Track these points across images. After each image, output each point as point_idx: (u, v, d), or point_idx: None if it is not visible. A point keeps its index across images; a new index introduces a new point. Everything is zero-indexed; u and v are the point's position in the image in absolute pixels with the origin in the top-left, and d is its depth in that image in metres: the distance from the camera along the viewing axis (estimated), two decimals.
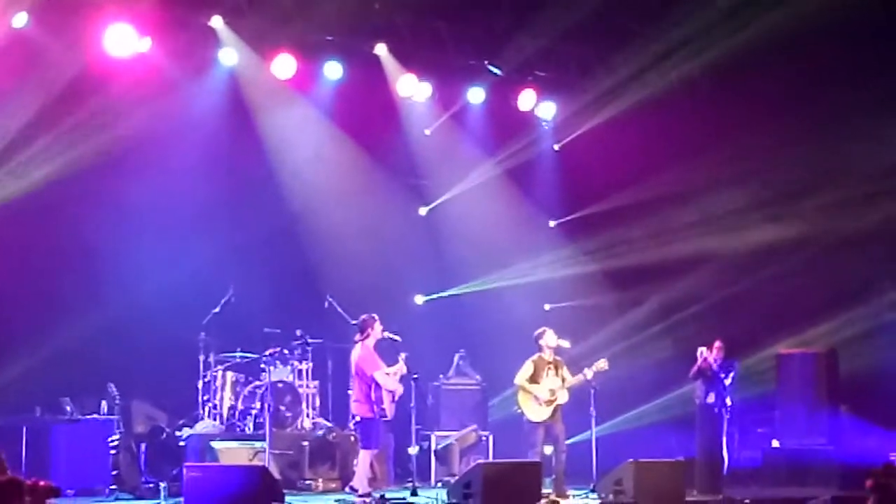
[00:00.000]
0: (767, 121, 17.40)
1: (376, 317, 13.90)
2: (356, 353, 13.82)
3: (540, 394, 14.59)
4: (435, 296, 18.87)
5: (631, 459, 13.78)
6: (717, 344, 15.50)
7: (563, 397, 14.69)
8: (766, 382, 17.29)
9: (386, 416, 13.79)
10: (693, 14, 16.51)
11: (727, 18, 16.39)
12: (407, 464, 15.30)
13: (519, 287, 18.67)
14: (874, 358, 16.92)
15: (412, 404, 14.33)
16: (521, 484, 13.18)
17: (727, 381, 15.47)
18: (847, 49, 16.34)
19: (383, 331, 13.92)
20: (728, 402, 15.38)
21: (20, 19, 14.59)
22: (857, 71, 16.70)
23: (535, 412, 14.62)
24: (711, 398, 15.36)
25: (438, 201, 19.03)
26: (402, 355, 13.89)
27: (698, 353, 15.36)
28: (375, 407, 13.61)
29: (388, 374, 13.73)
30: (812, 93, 16.92)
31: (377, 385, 13.60)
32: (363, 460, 13.66)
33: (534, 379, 14.66)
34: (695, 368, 15.41)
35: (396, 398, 13.84)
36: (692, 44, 17.05)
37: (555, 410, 14.62)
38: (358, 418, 13.90)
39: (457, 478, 14.07)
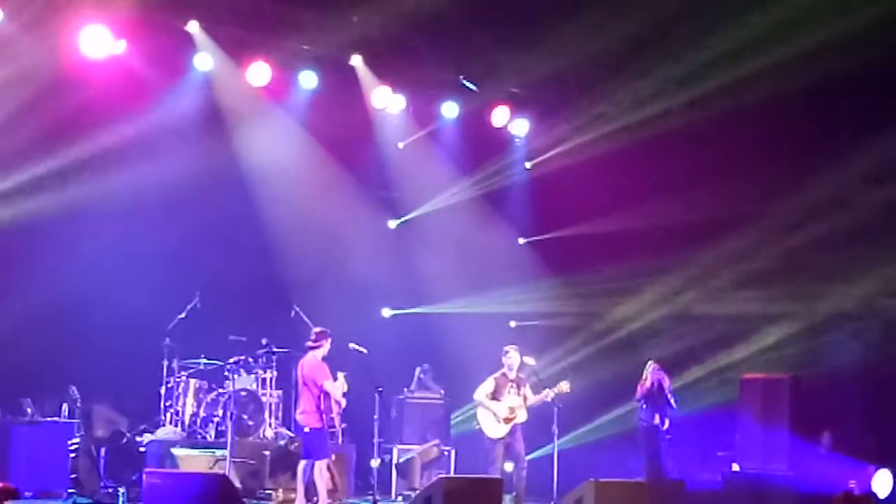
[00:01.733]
0: (749, 166, 17.41)
1: (330, 334, 13.89)
2: (306, 363, 13.84)
3: (499, 411, 14.62)
4: (402, 311, 18.85)
5: (591, 479, 13.79)
6: (656, 365, 15.67)
7: (522, 416, 14.72)
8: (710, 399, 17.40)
9: (334, 427, 13.74)
10: (681, 48, 16.51)
11: (715, 60, 16.39)
12: (368, 476, 15.26)
13: (487, 304, 18.65)
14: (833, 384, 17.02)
15: (375, 417, 14.32)
16: (482, 500, 13.15)
17: (672, 402, 15.70)
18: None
19: (343, 344, 13.96)
20: (667, 423, 15.56)
21: None
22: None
23: (494, 429, 14.65)
24: (657, 419, 15.49)
25: (409, 215, 19.05)
26: (341, 374, 13.85)
27: (646, 374, 15.49)
28: (324, 416, 13.59)
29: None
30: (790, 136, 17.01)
31: (326, 395, 13.58)
32: (319, 472, 13.60)
33: (495, 396, 14.70)
34: (643, 390, 15.54)
35: (341, 412, 13.83)
36: (676, 77, 17.03)
37: (513, 429, 14.64)
38: (307, 429, 13.84)
39: (418, 492, 14.05)
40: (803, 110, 16.65)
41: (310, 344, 13.92)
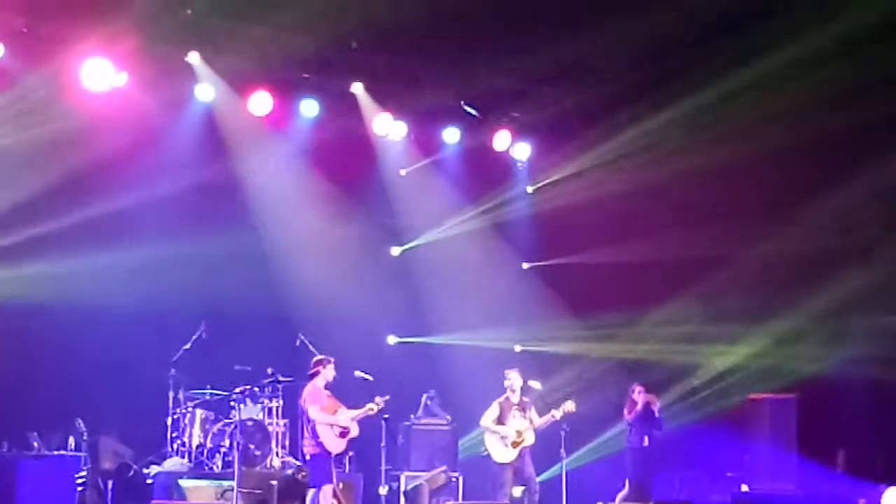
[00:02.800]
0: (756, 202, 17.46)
1: (332, 360, 13.90)
2: (304, 391, 13.86)
3: (506, 435, 14.60)
4: (407, 339, 18.83)
5: (600, 502, 13.79)
6: (641, 388, 15.89)
7: (529, 439, 14.70)
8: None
9: (330, 452, 13.70)
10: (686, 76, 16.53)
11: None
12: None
13: (491, 331, 18.63)
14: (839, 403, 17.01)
15: (382, 444, 14.30)
16: None
17: (661, 424, 15.96)
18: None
19: (349, 372, 13.96)
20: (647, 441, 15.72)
21: None
22: None
23: (502, 454, 14.62)
24: (646, 441, 15.56)
25: (412, 242, 19.06)
26: (379, 399, 13.84)
27: (635, 397, 15.54)
28: (314, 442, 13.57)
29: (336, 412, 13.71)
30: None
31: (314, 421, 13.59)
32: (325, 497, 13.57)
33: (500, 420, 14.69)
34: (635, 413, 15.60)
35: (346, 435, 13.77)
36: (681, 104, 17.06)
37: (521, 452, 14.61)
38: (307, 456, 13.88)
39: None
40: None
41: (310, 373, 13.92)
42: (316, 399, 13.65)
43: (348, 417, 13.77)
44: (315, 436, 13.57)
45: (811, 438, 16.70)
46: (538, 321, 19.12)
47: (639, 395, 15.85)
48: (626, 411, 15.68)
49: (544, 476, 15.56)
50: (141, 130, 15.78)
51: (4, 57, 14.70)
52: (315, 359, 14.04)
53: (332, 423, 13.66)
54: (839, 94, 15.47)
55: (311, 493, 13.74)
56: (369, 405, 13.86)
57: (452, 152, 18.64)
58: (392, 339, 18.97)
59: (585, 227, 18.32)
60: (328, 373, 13.82)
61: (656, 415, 16.01)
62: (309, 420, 13.62)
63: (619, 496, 15.48)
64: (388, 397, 13.99)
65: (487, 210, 19.07)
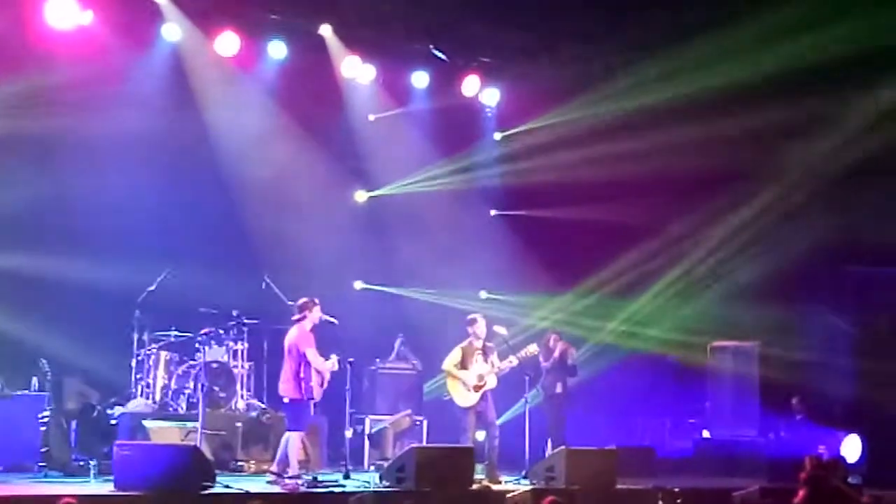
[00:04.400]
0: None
1: (317, 301, 13.86)
2: (292, 334, 13.77)
3: (468, 379, 14.65)
4: (373, 287, 18.81)
5: (562, 446, 13.89)
6: (556, 335, 16.14)
7: (491, 382, 14.75)
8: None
9: (313, 398, 13.71)
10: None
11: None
12: (340, 447, 15.27)
13: (457, 279, 18.65)
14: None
15: (347, 387, 14.31)
16: (454, 469, 13.28)
17: (576, 370, 16.27)
18: None
19: (322, 315, 13.91)
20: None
21: None
22: None
23: (464, 398, 14.67)
24: (559, 388, 15.68)
25: (380, 188, 19.01)
26: (334, 356, 13.81)
27: (553, 344, 15.64)
28: (303, 386, 13.52)
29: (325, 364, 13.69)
30: None
31: (307, 364, 13.51)
32: (293, 443, 13.58)
33: (463, 365, 14.72)
34: (553, 360, 15.73)
35: (325, 384, 13.78)
36: (655, 64, 16.99)
37: (483, 396, 14.68)
38: (286, 399, 13.82)
39: (390, 462, 14.09)
40: None
41: (295, 318, 13.86)
42: (310, 342, 13.60)
43: (327, 366, 13.74)
44: (308, 379, 13.49)
45: (773, 386, 16.85)
46: (504, 269, 19.16)
47: (555, 343, 15.89)
48: (541, 358, 15.66)
49: (504, 418, 15.69)
50: (106, 70, 15.59)
51: None
52: (300, 301, 13.94)
53: (323, 370, 13.61)
54: None
55: (286, 436, 13.73)
56: (330, 361, 13.77)
57: (421, 97, 18.54)
58: (358, 285, 18.95)
59: (553, 178, 18.30)
60: (314, 315, 13.76)
61: (569, 362, 16.23)
62: (299, 363, 13.53)
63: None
64: (338, 357, 13.88)
65: (456, 157, 19.01)
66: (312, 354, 13.55)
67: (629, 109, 17.50)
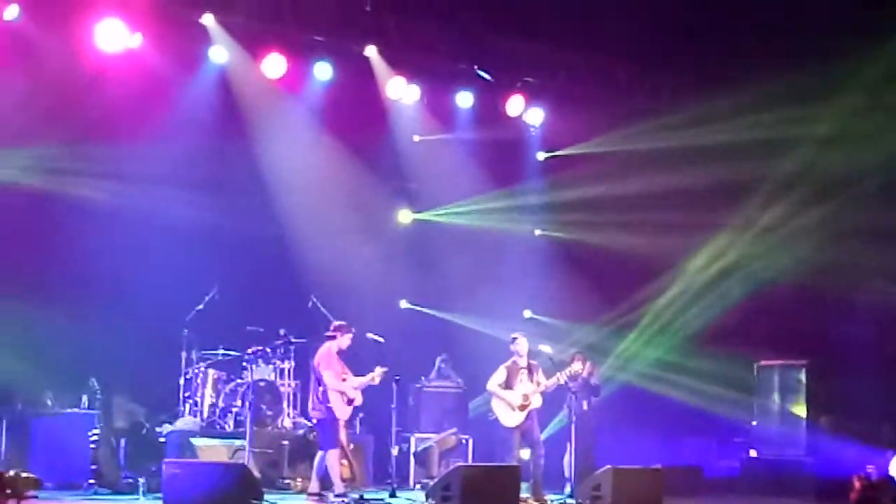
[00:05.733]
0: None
1: (352, 330, 13.98)
2: (317, 352, 13.96)
3: (513, 399, 14.65)
4: (418, 307, 18.85)
5: (609, 465, 13.86)
6: (580, 356, 16.04)
7: (536, 402, 14.74)
8: None
9: (337, 418, 13.78)
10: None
11: None
12: (386, 465, 15.33)
13: (503, 295, 18.68)
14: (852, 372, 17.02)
15: (393, 405, 14.38)
16: (500, 487, 13.27)
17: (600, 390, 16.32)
18: None
19: (361, 334, 14.03)
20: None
21: (11, 12, 14.61)
22: None
23: (509, 417, 14.67)
24: (586, 406, 15.60)
25: (426, 209, 19.08)
26: (380, 369, 13.91)
27: (580, 366, 15.54)
28: (324, 406, 13.65)
29: (345, 380, 13.79)
30: None
31: (325, 384, 13.67)
32: (331, 462, 13.66)
33: (508, 384, 14.72)
34: (581, 381, 15.64)
35: (352, 402, 13.85)
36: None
37: (528, 415, 14.68)
38: (314, 420, 14.02)
39: (435, 480, 14.11)
40: None
41: (327, 334, 14.00)
42: (330, 364, 13.72)
43: (354, 386, 13.85)
44: (326, 401, 13.64)
45: (820, 405, 16.73)
46: (548, 288, 19.17)
47: (579, 363, 15.77)
48: (567, 379, 15.42)
49: (548, 431, 15.72)
50: (154, 92, 15.80)
51: (20, 18, 14.71)
52: (336, 323, 14.10)
53: (343, 390, 13.73)
54: None
55: (318, 455, 13.87)
56: (371, 374, 13.91)
57: (465, 117, 18.61)
58: (403, 304, 19.01)
59: (596, 198, 18.32)
60: (343, 341, 13.88)
61: (593, 382, 16.26)
62: (320, 384, 13.69)
63: (564, 460, 15.55)
64: (386, 369, 13.99)
65: (500, 174, 19.05)
66: (329, 376, 13.67)
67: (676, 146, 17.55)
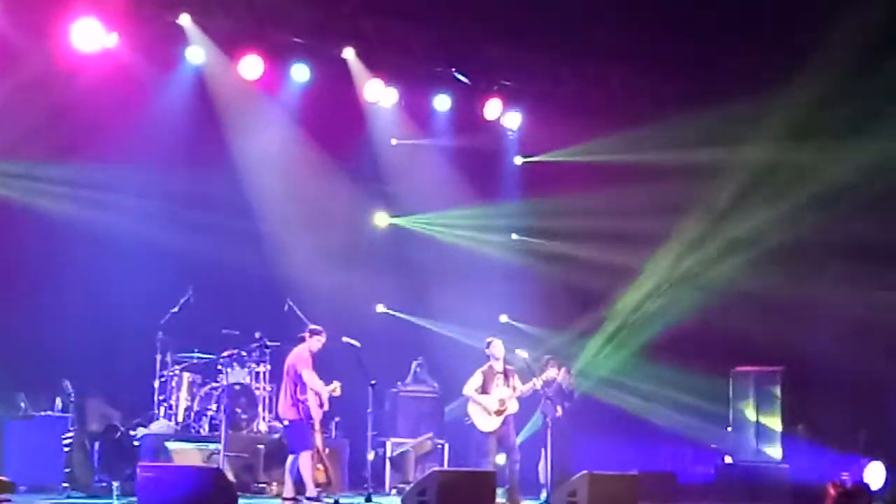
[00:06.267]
0: None
1: (323, 333, 13.94)
2: (291, 355, 13.92)
3: (489, 404, 14.63)
4: (393, 312, 18.80)
5: (585, 471, 13.85)
6: (552, 360, 15.94)
7: (513, 407, 14.74)
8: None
9: (312, 419, 13.74)
10: None
11: None
12: (362, 470, 15.28)
13: (479, 300, 18.65)
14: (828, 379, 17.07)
15: (369, 410, 14.33)
16: (476, 492, 13.20)
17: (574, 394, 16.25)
18: None
19: (337, 338, 14.01)
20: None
21: None
22: None
23: (485, 422, 14.66)
24: (559, 411, 15.56)
25: (403, 210, 19.03)
26: (335, 383, 13.87)
27: (553, 371, 15.51)
28: (300, 407, 13.62)
29: (323, 386, 13.77)
30: None
31: (303, 385, 13.62)
32: (304, 464, 13.61)
33: (484, 389, 14.70)
34: (556, 386, 15.61)
35: (324, 405, 13.82)
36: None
37: (504, 420, 14.66)
38: (285, 422, 13.94)
39: (411, 485, 14.05)
40: None
41: (299, 336, 14.00)
42: (307, 364, 13.68)
43: (327, 390, 13.82)
44: (302, 401, 13.59)
45: (796, 411, 16.78)
46: (524, 293, 19.16)
47: (551, 368, 15.73)
48: (543, 384, 15.39)
49: (522, 436, 15.71)
50: (130, 92, 15.74)
51: None
52: (310, 327, 14.09)
53: (320, 391, 13.68)
54: None
55: (290, 459, 13.77)
56: (331, 386, 13.84)
57: (443, 121, 18.59)
58: (380, 308, 18.95)
59: (574, 201, 18.31)
60: (314, 343, 13.86)
61: (566, 387, 16.19)
62: (296, 384, 13.63)
63: (539, 465, 15.55)
64: (339, 384, 13.94)
65: (477, 177, 19.03)
66: (308, 375, 13.65)
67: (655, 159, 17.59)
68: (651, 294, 18.51)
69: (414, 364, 17.72)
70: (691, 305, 18.10)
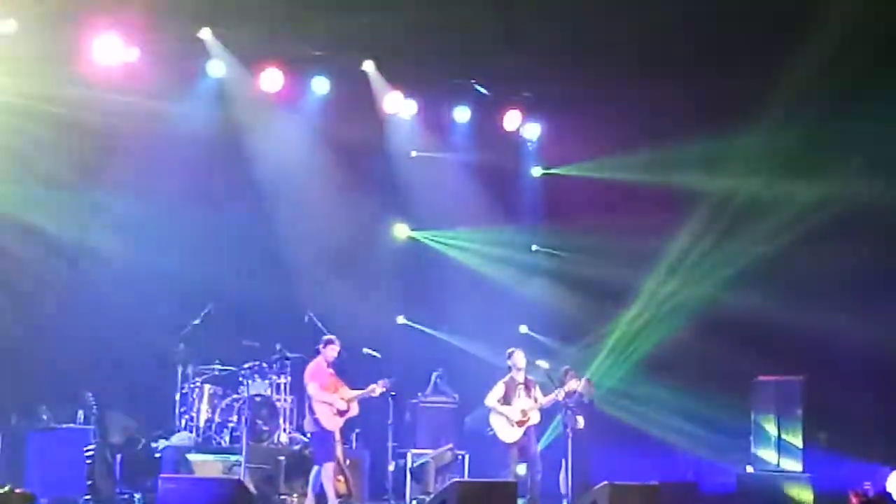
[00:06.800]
0: None
1: (334, 341, 14.11)
2: (307, 368, 14.05)
3: (511, 415, 14.64)
4: (413, 324, 18.80)
5: (606, 482, 13.82)
6: (572, 371, 15.90)
7: (535, 418, 14.77)
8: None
9: (330, 429, 13.79)
10: None
11: None
12: (382, 481, 15.30)
13: (497, 310, 18.65)
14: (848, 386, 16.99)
15: (389, 421, 14.37)
16: (497, 503, 13.21)
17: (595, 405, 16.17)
18: None
19: (357, 349, 14.17)
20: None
21: (8, 26, 14.59)
22: None
23: (507, 433, 14.67)
24: (580, 423, 15.49)
25: (422, 222, 19.05)
26: (382, 381, 13.96)
27: (573, 381, 15.45)
28: (311, 419, 13.79)
29: (336, 391, 13.80)
30: None
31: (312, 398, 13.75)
32: (326, 476, 13.69)
33: (506, 400, 14.72)
34: (576, 396, 15.53)
35: (343, 414, 13.88)
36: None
37: (526, 431, 14.66)
38: (308, 434, 14.16)
39: (432, 496, 14.08)
40: None
41: (316, 347, 14.23)
42: (315, 377, 13.83)
43: (347, 397, 13.89)
44: (312, 412, 13.75)
45: (817, 420, 16.71)
46: (544, 305, 19.14)
47: (571, 379, 15.68)
48: (563, 394, 15.35)
49: (541, 444, 15.73)
50: (151, 106, 15.78)
51: (17, 32, 14.69)
52: (324, 337, 14.18)
53: (329, 401, 13.78)
54: None
55: (314, 469, 13.89)
56: (372, 386, 14.01)
57: (463, 132, 18.62)
58: (400, 319, 18.96)
59: (594, 211, 18.31)
60: (328, 352, 14.05)
61: (587, 399, 16.07)
62: (310, 397, 13.76)
63: (560, 476, 15.51)
64: (393, 379, 14.11)
65: (497, 188, 19.04)
66: (313, 388, 13.87)
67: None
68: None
69: (434, 375, 17.73)
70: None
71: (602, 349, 18.53)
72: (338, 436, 13.94)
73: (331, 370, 14.11)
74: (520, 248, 19.52)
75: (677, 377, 17.76)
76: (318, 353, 14.13)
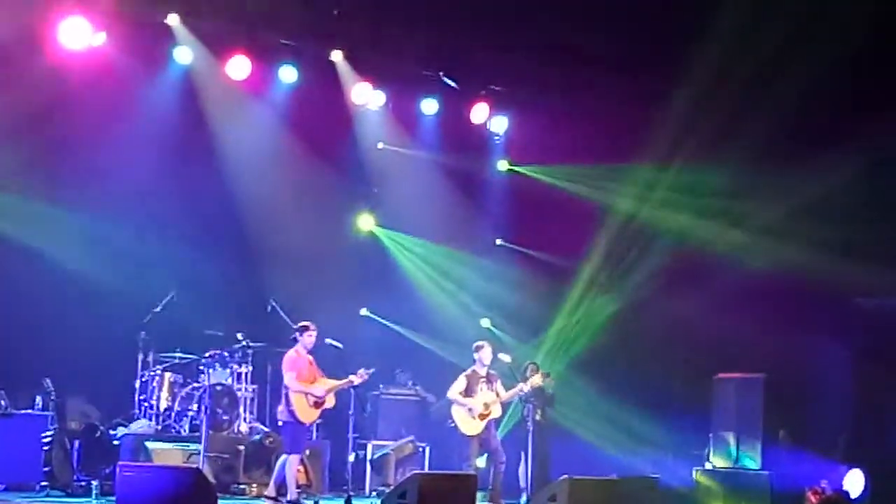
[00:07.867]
0: None
1: (311, 326, 13.97)
2: (284, 357, 13.97)
3: (474, 407, 14.65)
4: (377, 317, 18.77)
5: (565, 475, 13.86)
6: (533, 366, 16.05)
7: (496, 411, 14.80)
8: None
9: (303, 421, 13.76)
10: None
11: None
12: (342, 472, 15.26)
13: (461, 302, 18.65)
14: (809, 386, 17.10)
15: (350, 412, 14.33)
16: (456, 495, 13.18)
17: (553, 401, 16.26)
18: None
19: (320, 339, 14.07)
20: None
21: None
22: None
23: (469, 426, 14.68)
24: (539, 416, 15.57)
25: (387, 214, 19.02)
26: (362, 371, 13.93)
27: (535, 376, 15.51)
28: (286, 409, 13.68)
29: (314, 382, 13.75)
30: None
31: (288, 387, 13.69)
32: (290, 466, 13.65)
33: (468, 393, 14.74)
34: (535, 389, 15.55)
35: (320, 405, 13.83)
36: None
37: (487, 424, 14.69)
38: (279, 423, 14.04)
39: (392, 488, 14.05)
40: None
41: (292, 337, 14.10)
42: (292, 366, 13.73)
43: (325, 388, 13.84)
44: (287, 403, 13.64)
45: (776, 418, 16.80)
46: (507, 296, 19.16)
47: (532, 373, 15.70)
48: (528, 388, 15.39)
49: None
50: (117, 91, 15.70)
51: None
52: (299, 324, 14.12)
53: (306, 391, 13.72)
54: None
55: (281, 458, 13.85)
56: (351, 376, 13.94)
57: (430, 124, 18.60)
58: (364, 311, 18.92)
59: (559, 209, 18.34)
60: (306, 339, 13.94)
61: (548, 392, 16.21)
62: (286, 386, 13.69)
63: (520, 469, 15.56)
64: (372, 370, 14.09)
65: (463, 181, 19.04)
66: (289, 378, 13.74)
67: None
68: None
69: (397, 372, 17.75)
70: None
71: (552, 343, 18.59)
72: (308, 425, 13.92)
73: (310, 357, 14.01)
74: (482, 243, 19.53)
75: (641, 374, 17.78)
76: (295, 341, 13.99)
